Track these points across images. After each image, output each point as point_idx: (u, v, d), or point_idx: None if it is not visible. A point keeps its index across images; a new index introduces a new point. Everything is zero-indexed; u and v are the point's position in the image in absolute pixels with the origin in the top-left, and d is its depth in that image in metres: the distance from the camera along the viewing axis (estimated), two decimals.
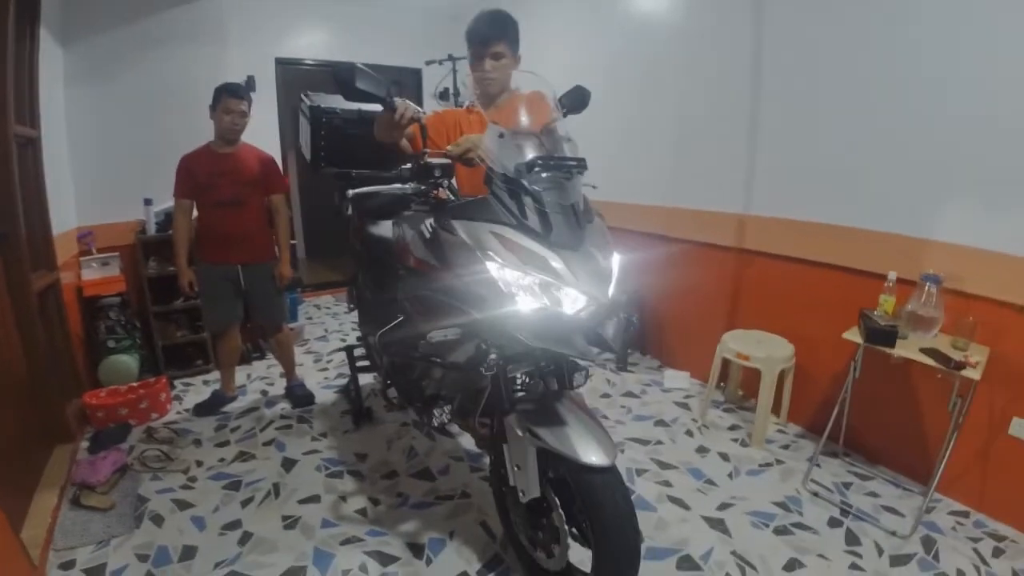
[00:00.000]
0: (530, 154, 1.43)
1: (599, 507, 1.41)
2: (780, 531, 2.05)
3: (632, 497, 2.15)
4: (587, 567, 1.54)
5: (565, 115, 1.73)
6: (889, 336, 2.03)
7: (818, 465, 2.44)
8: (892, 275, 2.16)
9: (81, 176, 3.50)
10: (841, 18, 2.39)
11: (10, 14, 2.34)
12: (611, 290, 1.43)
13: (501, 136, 1.46)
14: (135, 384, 3.09)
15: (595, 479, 1.41)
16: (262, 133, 3.98)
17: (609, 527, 1.40)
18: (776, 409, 2.79)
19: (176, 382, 3.45)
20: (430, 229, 1.58)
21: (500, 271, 1.36)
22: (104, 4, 3.47)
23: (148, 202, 3.48)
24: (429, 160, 1.69)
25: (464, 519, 2.13)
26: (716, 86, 3.00)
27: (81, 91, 3.45)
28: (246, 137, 2.93)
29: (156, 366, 3.47)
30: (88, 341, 3.31)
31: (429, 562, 1.91)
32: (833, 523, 2.09)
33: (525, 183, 1.39)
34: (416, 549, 1.97)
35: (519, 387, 1.57)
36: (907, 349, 2.02)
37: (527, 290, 1.35)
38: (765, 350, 2.60)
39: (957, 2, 2.02)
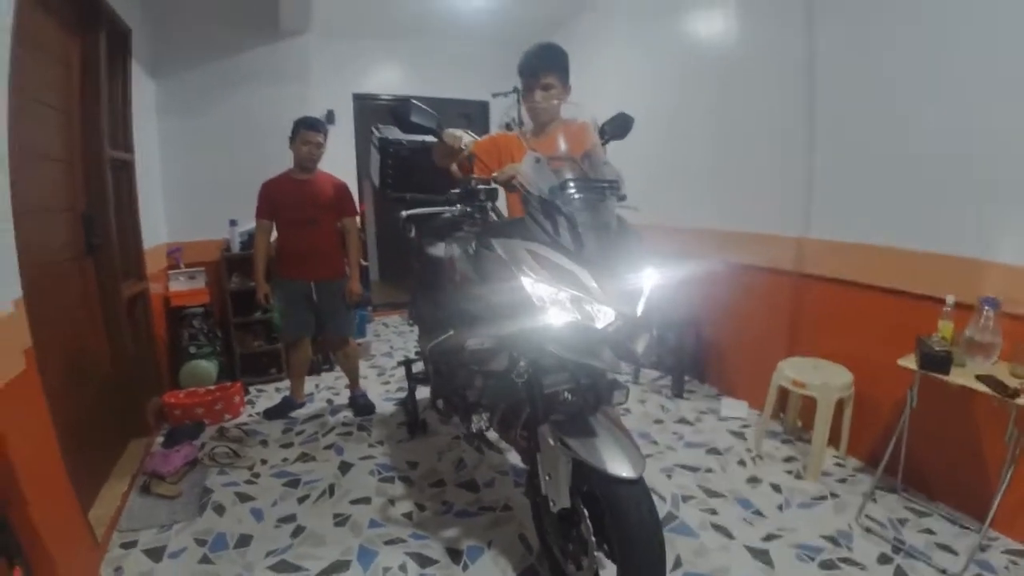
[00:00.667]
0: (564, 177, 1.52)
1: (624, 518, 1.44)
2: (826, 565, 1.97)
3: (674, 523, 2.19)
4: None
5: (606, 141, 1.82)
6: (943, 362, 1.93)
7: (874, 500, 2.33)
8: (950, 299, 2.07)
9: (172, 197, 3.90)
10: (898, 30, 2.35)
11: (102, 49, 2.68)
12: (640, 306, 1.48)
13: (538, 161, 1.56)
14: (212, 387, 3.37)
15: (621, 490, 1.45)
16: (340, 162, 4.30)
17: (633, 538, 1.43)
18: (835, 441, 2.68)
19: (250, 387, 3.74)
20: (472, 247, 1.70)
21: (534, 286, 1.45)
22: (193, 42, 3.88)
23: (233, 223, 3.83)
24: (475, 185, 1.81)
25: (503, 530, 2.19)
26: (773, 107, 2.99)
27: (173, 121, 3.86)
28: (327, 166, 3.20)
29: (233, 372, 3.78)
30: (172, 346, 3.65)
31: (466, 568, 1.98)
32: (883, 560, 1.99)
33: (559, 203, 1.48)
34: (455, 555, 2.04)
35: (559, 401, 1.63)
36: (963, 376, 1.92)
37: (559, 304, 1.43)
38: (822, 377, 2.52)
39: None
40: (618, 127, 1.88)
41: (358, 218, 3.33)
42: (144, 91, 3.50)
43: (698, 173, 3.61)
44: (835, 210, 2.73)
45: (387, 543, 2.11)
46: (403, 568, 1.97)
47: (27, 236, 1.73)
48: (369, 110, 5.12)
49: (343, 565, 1.99)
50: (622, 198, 1.62)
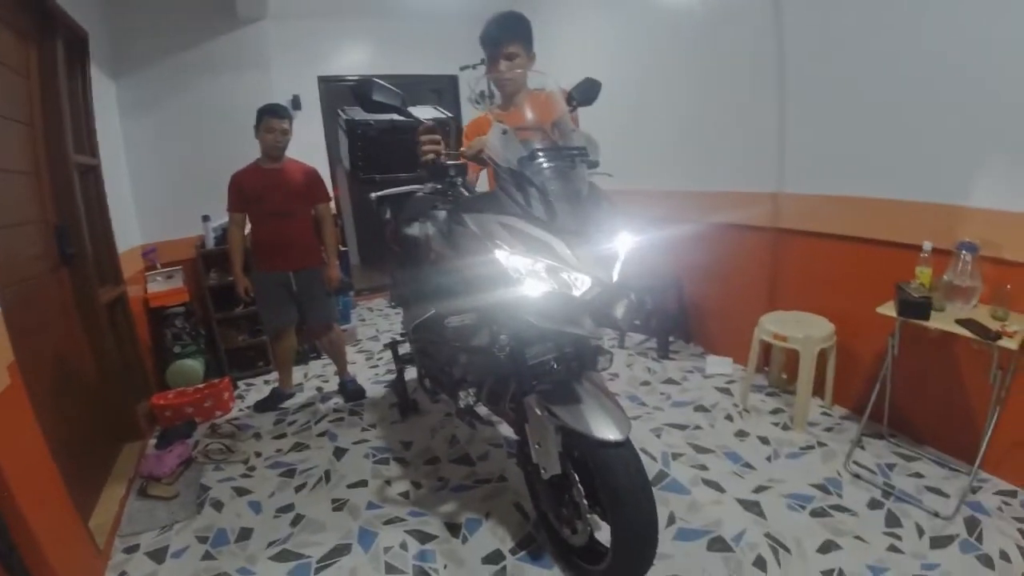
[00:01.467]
0: (532, 147, 1.51)
1: (613, 480, 1.47)
2: (817, 513, 2.02)
3: (666, 481, 2.24)
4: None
5: (575, 108, 1.80)
6: (922, 308, 1.96)
7: (862, 447, 2.39)
8: (927, 245, 2.09)
9: (142, 198, 3.81)
10: None
11: (59, 54, 2.60)
12: (616, 272, 1.48)
13: (504, 132, 1.55)
14: (200, 385, 3.35)
15: (609, 453, 1.47)
16: (311, 148, 4.24)
17: (623, 499, 1.46)
18: (820, 391, 2.74)
19: (239, 382, 3.72)
20: (446, 224, 1.69)
21: (508, 258, 1.45)
22: (151, 38, 3.76)
23: (206, 218, 3.77)
24: (443, 161, 1.79)
25: (500, 501, 2.22)
26: (742, 64, 2.98)
27: (136, 120, 3.76)
28: (296, 152, 3.14)
29: (220, 368, 3.75)
30: (156, 348, 3.61)
31: (465, 540, 2.01)
32: (873, 505, 2.04)
33: (528, 174, 1.47)
34: (453, 528, 2.08)
35: (544, 371, 1.65)
36: (943, 321, 1.95)
37: (535, 275, 1.43)
38: (803, 330, 2.56)
39: None
40: (586, 93, 1.86)
41: (333, 204, 3.28)
42: (104, 92, 3.40)
43: (670, 135, 3.60)
44: (809, 164, 2.74)
45: (386, 523, 2.14)
46: (404, 546, 2.00)
47: (1, 251, 1.69)
48: (336, 93, 5.01)
49: (344, 548, 2.02)
50: (593, 164, 1.62)
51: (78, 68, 2.95)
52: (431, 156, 1.79)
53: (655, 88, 3.62)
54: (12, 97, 2.29)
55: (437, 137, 1.82)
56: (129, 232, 3.56)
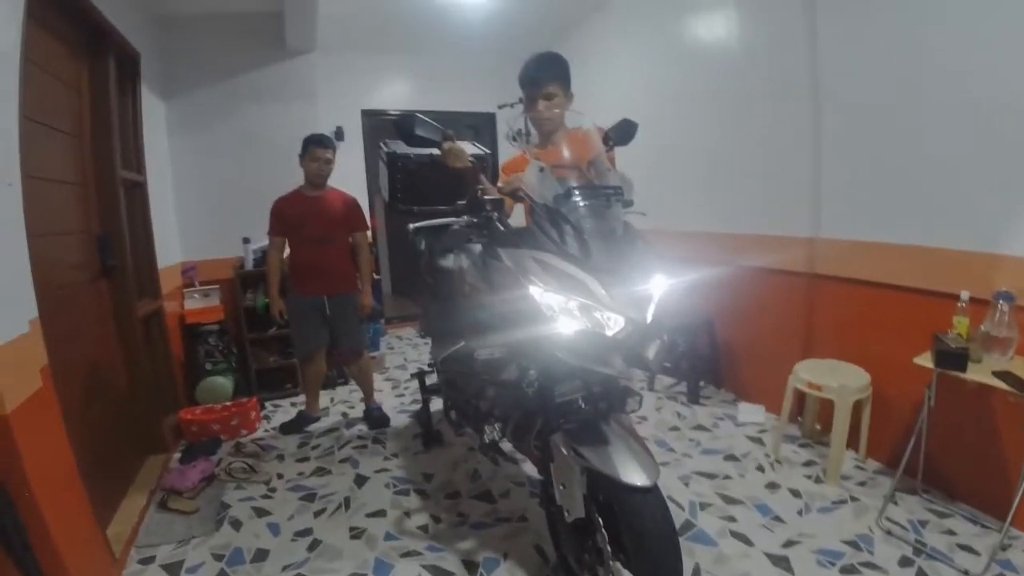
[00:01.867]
0: (568, 185, 1.52)
1: (639, 527, 1.43)
2: (847, 570, 1.94)
3: (692, 531, 2.17)
4: None
5: (611, 148, 1.82)
6: (959, 359, 1.90)
7: (895, 502, 2.29)
8: (965, 295, 2.03)
9: (185, 217, 3.95)
10: (901, 25, 2.33)
11: (111, 74, 2.74)
12: (651, 312, 1.47)
13: (541, 170, 1.57)
14: (228, 403, 3.40)
15: (636, 499, 1.43)
16: (351, 178, 4.35)
17: (649, 547, 1.42)
18: (854, 444, 2.64)
19: (266, 403, 3.77)
20: (480, 257, 1.71)
21: (542, 295, 1.45)
22: (201, 63, 3.94)
23: (247, 240, 3.88)
24: (481, 196, 1.82)
25: (519, 541, 2.18)
26: (776, 108, 2.98)
27: (183, 141, 3.92)
28: (337, 181, 3.24)
29: (249, 387, 3.81)
30: (188, 363, 3.69)
31: None
32: (904, 563, 1.96)
33: (564, 211, 1.49)
34: (471, 566, 2.04)
35: (571, 410, 1.63)
36: (980, 373, 1.89)
37: (568, 312, 1.42)
38: (838, 379, 2.49)
39: None
40: (622, 133, 1.88)
41: (369, 233, 3.36)
42: (154, 112, 3.56)
43: (702, 175, 3.60)
44: (845, 209, 2.70)
45: (403, 556, 2.11)
46: None
47: (42, 258, 1.77)
48: (378, 125, 5.17)
49: None
50: (628, 204, 1.63)
51: (129, 86, 3.10)
52: (460, 164, 1.81)
53: (687, 127, 3.63)
54: (64, 110, 2.40)
55: (457, 148, 1.84)
56: (170, 249, 3.69)
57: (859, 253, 2.62)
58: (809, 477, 2.56)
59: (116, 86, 2.83)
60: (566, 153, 1.69)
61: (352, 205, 3.23)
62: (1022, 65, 1.94)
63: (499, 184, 1.80)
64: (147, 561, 2.12)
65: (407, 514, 2.40)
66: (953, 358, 1.93)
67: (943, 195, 2.26)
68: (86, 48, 2.61)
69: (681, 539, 1.48)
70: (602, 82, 4.27)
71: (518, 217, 2.14)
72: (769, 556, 2.04)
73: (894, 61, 2.38)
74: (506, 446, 2.09)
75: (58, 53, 2.34)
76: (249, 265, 3.91)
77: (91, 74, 2.65)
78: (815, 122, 2.76)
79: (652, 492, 1.44)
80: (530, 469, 2.64)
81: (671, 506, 1.48)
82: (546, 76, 2.04)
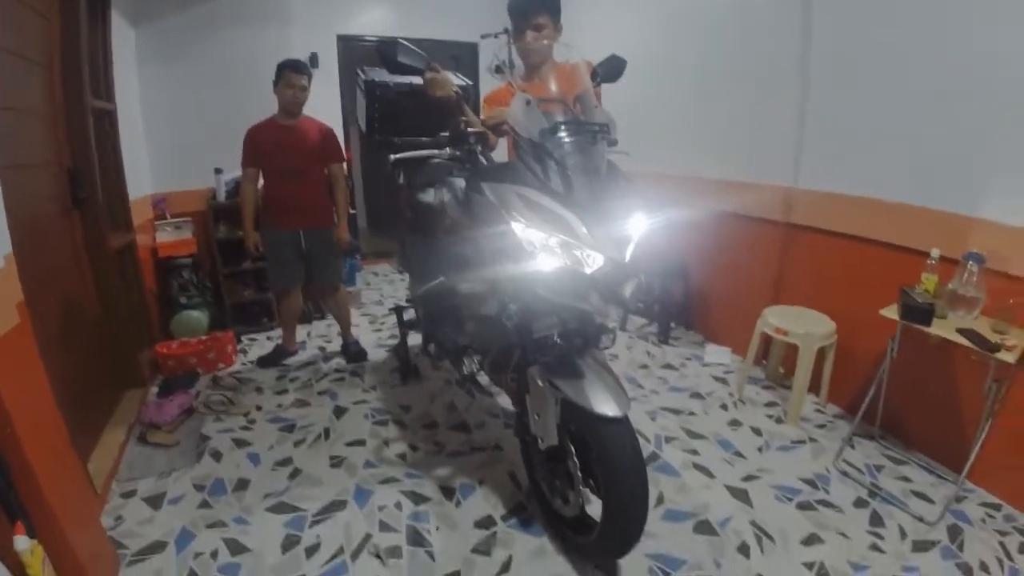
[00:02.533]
0: (555, 120, 1.51)
1: (609, 455, 1.50)
2: (803, 506, 2.06)
3: (657, 462, 2.27)
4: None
5: (599, 84, 1.79)
6: (925, 314, 1.97)
7: (852, 446, 2.42)
8: (935, 252, 2.09)
9: (156, 147, 3.80)
10: None
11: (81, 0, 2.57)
12: (630, 252, 1.49)
13: (528, 103, 1.55)
14: (204, 337, 3.39)
15: (607, 428, 1.50)
16: (325, 108, 4.19)
17: (618, 474, 1.49)
18: (816, 388, 2.76)
19: (242, 337, 3.76)
20: (462, 191, 1.69)
21: (524, 231, 1.46)
22: None
23: (219, 171, 3.75)
24: (464, 128, 1.79)
25: (494, 469, 2.27)
26: (764, 52, 2.95)
27: (153, 69, 3.74)
28: (311, 111, 3.12)
29: (224, 322, 3.78)
30: (162, 297, 3.64)
31: (459, 504, 2.06)
32: (859, 503, 2.07)
33: (548, 146, 1.47)
34: (448, 492, 2.13)
35: (548, 344, 1.67)
36: (944, 329, 1.96)
37: (549, 249, 1.44)
38: (804, 326, 2.58)
39: None
40: (611, 70, 1.85)
41: (345, 165, 3.27)
42: (124, 39, 3.37)
43: (686, 119, 3.58)
44: (825, 160, 2.72)
45: (382, 482, 2.19)
46: (398, 506, 2.05)
47: (14, 191, 1.69)
48: (355, 52, 4.95)
49: (340, 504, 2.06)
50: (613, 143, 1.62)
51: (99, 12, 2.91)
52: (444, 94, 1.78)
53: (674, 70, 3.58)
54: (34, 38, 2.28)
55: (441, 77, 1.80)
56: (141, 180, 3.56)
57: (835, 205, 2.66)
58: (771, 417, 2.69)
59: (86, 12, 2.66)
60: (553, 87, 1.66)
61: (328, 135, 3.13)
62: (1008, 33, 1.94)
63: (482, 116, 1.76)
64: (129, 495, 2.14)
65: (386, 443, 2.47)
66: (919, 312, 1.99)
67: (923, 155, 2.28)
68: None
69: (647, 469, 1.55)
70: (591, 15, 4.14)
71: (501, 152, 2.12)
72: (729, 488, 2.15)
73: (884, 18, 2.35)
74: (483, 380, 2.14)
75: None
76: (222, 197, 3.79)
77: (61, 1, 2.48)
78: (802, 72, 2.73)
79: (622, 423, 1.50)
80: (504, 401, 2.72)
81: (639, 439, 1.55)
82: (536, 6, 1.98)
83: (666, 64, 3.61)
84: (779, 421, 2.65)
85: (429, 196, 2.19)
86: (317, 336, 3.80)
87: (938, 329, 1.97)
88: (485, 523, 1.96)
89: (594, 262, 1.44)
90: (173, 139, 3.83)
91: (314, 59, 4.55)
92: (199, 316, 3.56)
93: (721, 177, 3.32)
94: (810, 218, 2.82)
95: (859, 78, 2.49)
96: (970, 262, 1.98)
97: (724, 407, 2.79)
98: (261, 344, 3.68)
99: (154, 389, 3.00)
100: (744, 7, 3.04)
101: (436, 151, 1.84)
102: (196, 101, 3.88)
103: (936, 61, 2.17)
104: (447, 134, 1.88)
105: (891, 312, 2.14)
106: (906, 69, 2.29)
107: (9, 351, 1.46)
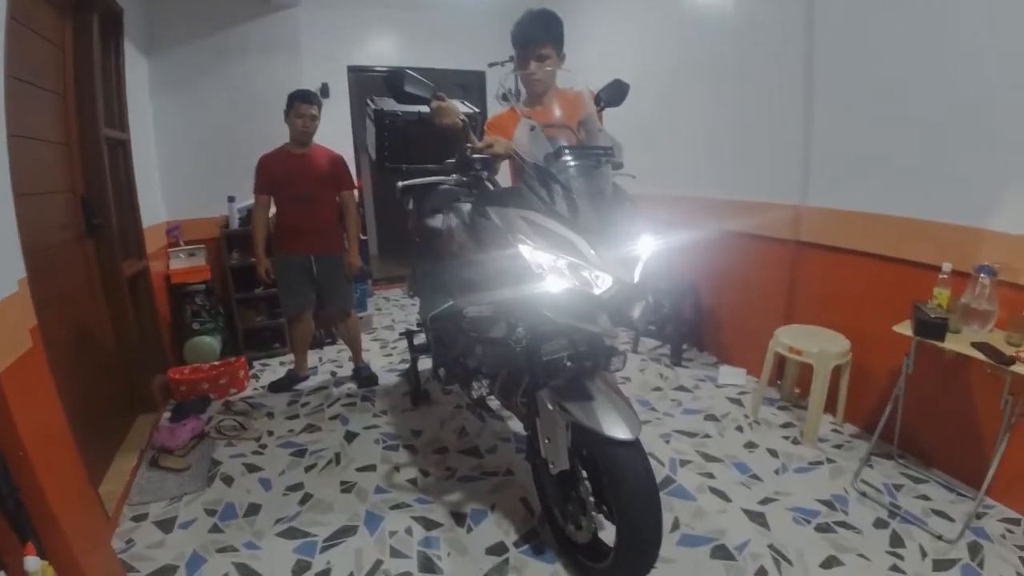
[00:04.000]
0: (559, 144, 1.52)
1: (621, 478, 1.48)
2: (822, 528, 2.01)
3: (672, 487, 2.24)
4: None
5: (602, 108, 1.81)
6: (938, 329, 1.94)
7: (870, 466, 2.37)
8: (947, 266, 2.07)
9: (169, 175, 3.88)
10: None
11: (95, 30, 2.65)
12: (638, 272, 1.49)
13: (532, 129, 1.57)
14: (217, 363, 3.42)
15: (618, 452, 1.48)
16: (337, 137, 4.28)
17: (630, 498, 1.47)
18: (832, 408, 2.72)
19: (254, 362, 3.79)
20: (469, 216, 1.71)
21: (532, 253, 1.46)
22: (184, 19, 3.81)
23: (231, 199, 3.82)
24: (470, 155, 1.81)
25: (506, 494, 2.24)
26: (769, 73, 2.97)
27: (166, 98, 3.83)
28: (323, 140, 3.18)
29: (237, 347, 3.82)
30: (175, 323, 3.69)
31: (470, 530, 2.04)
32: (879, 524, 2.03)
33: (553, 170, 1.49)
34: (459, 518, 2.10)
35: (558, 367, 1.67)
36: (958, 343, 1.93)
37: (557, 271, 1.44)
38: (818, 344, 2.54)
39: None
40: (613, 94, 1.87)
41: (356, 192, 3.33)
42: (137, 69, 3.46)
43: (692, 140, 3.59)
44: (832, 178, 2.72)
45: (393, 508, 2.17)
46: (409, 531, 2.03)
47: (28, 218, 1.73)
48: (365, 82, 5.05)
49: (350, 530, 2.05)
50: (618, 166, 1.63)
51: (112, 43, 3.00)
52: (450, 122, 1.80)
53: (680, 93, 3.62)
54: (47, 68, 2.34)
55: (447, 106, 1.82)
56: (154, 208, 3.63)
57: (843, 222, 2.65)
58: (787, 438, 2.64)
59: (100, 42, 2.74)
60: (557, 112, 1.69)
61: (339, 163, 3.19)
62: (1012, 43, 1.94)
63: (478, 144, 1.77)
64: (140, 518, 2.15)
65: (396, 468, 2.46)
66: (932, 327, 1.96)
67: (931, 169, 2.27)
68: (70, 4, 2.53)
69: (661, 494, 1.53)
70: (594, 40, 4.20)
71: (504, 176, 2.14)
72: (746, 512, 2.11)
73: (888, 35, 2.36)
74: (493, 404, 2.13)
75: (41, 10, 2.27)
76: (235, 224, 3.86)
77: (75, 31, 2.57)
78: (807, 89, 2.75)
79: (634, 446, 1.49)
80: (516, 425, 2.70)
81: (651, 462, 1.53)
82: (540, 36, 1.99)
83: (670, 86, 3.65)
84: (796, 442, 2.60)
85: (437, 221, 2.21)
86: (328, 361, 3.82)
87: (952, 344, 1.94)
88: (497, 549, 1.94)
89: (603, 283, 1.44)
90: (187, 167, 3.91)
91: (325, 89, 4.66)
92: (212, 341, 3.59)
93: (729, 197, 3.32)
94: (819, 235, 2.81)
95: (864, 92, 2.50)
96: (982, 275, 1.95)
97: (740, 429, 2.75)
98: (273, 369, 3.70)
99: (166, 414, 3.02)
100: (748, 27, 3.08)
101: (443, 177, 1.87)
102: (209, 130, 3.96)
103: (942, 72, 2.17)
104: (453, 160, 1.90)
105: (905, 328, 2.11)
106: (910, 82, 2.29)
107: (22, 375, 1.48)
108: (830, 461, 2.44)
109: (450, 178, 1.85)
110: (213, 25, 3.93)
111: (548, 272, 1.44)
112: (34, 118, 2.18)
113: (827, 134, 2.71)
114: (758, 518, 2.07)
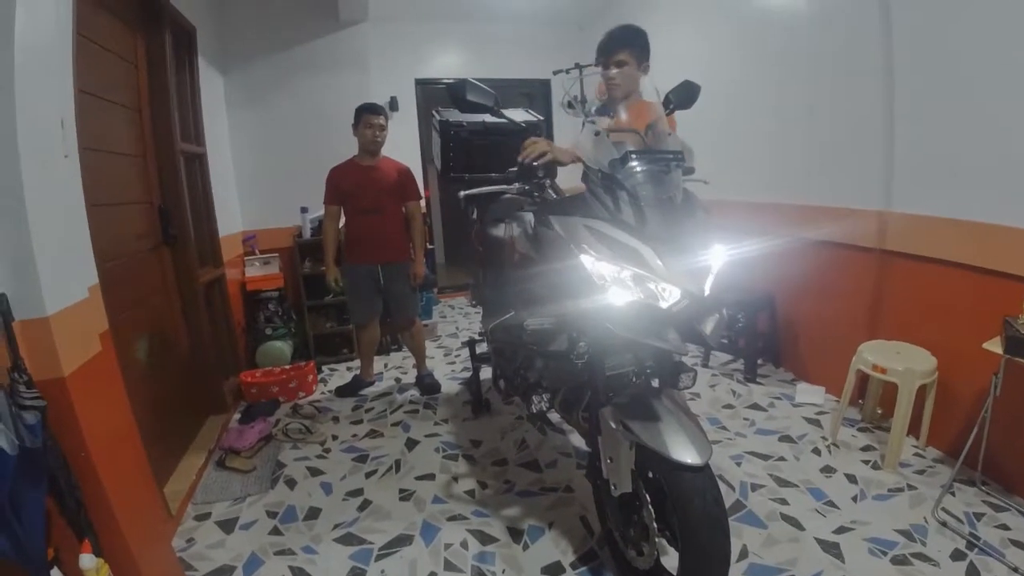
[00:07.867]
0: (625, 149, 1.47)
1: (687, 506, 1.39)
2: (898, 561, 1.86)
3: (742, 512, 2.12)
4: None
5: (672, 111, 1.75)
6: None
7: (952, 493, 2.17)
8: None
9: (245, 187, 4.08)
10: None
11: (167, 48, 2.80)
12: (709, 284, 1.42)
13: (597, 134, 1.52)
14: (287, 367, 3.54)
15: (685, 477, 1.40)
16: (406, 148, 4.38)
17: (696, 527, 1.38)
18: (915, 430, 2.51)
19: (323, 367, 3.91)
20: (531, 225, 1.68)
21: (594, 264, 1.41)
22: (256, 37, 4.01)
23: (304, 210, 3.98)
24: (528, 162, 1.78)
25: (565, 511, 2.19)
26: (847, 73, 2.79)
27: (242, 114, 4.03)
28: (391, 152, 3.26)
29: (307, 352, 3.95)
30: (249, 328, 3.86)
31: (526, 547, 1.99)
32: (957, 556, 1.86)
33: (619, 177, 1.43)
34: (515, 533, 2.06)
35: (622, 383, 1.60)
36: None
37: (620, 283, 1.38)
38: (904, 362, 2.35)
39: None
40: (683, 95, 1.80)
41: (423, 202, 3.38)
42: (213, 85, 3.66)
43: (765, 144, 3.43)
44: (919, 181, 2.51)
45: (449, 519, 2.16)
46: (464, 544, 2.01)
47: (103, 227, 1.82)
48: (432, 95, 5.15)
49: (406, 539, 2.05)
50: (689, 171, 1.56)
51: (185, 60, 3.17)
52: (540, 156, 1.76)
53: (751, 94, 3.46)
54: (121, 84, 2.47)
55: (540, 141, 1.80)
56: (232, 218, 3.83)
57: (932, 229, 2.44)
58: (867, 463, 2.46)
59: (173, 60, 2.89)
60: (624, 116, 1.63)
61: (406, 174, 3.25)
62: None
63: (527, 151, 1.71)
64: (203, 517, 2.23)
65: (455, 479, 2.45)
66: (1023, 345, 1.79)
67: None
68: (141, 23, 2.68)
69: (730, 520, 1.43)
70: (662, 44, 4.09)
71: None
72: (820, 542, 1.97)
73: (974, 27, 2.17)
74: (554, 416, 2.09)
75: (113, 28, 2.40)
76: (307, 234, 4.01)
77: (147, 49, 2.71)
78: (887, 89, 2.56)
79: (703, 471, 1.40)
80: (577, 440, 2.64)
81: (721, 486, 1.45)
82: (618, 44, 2.06)
83: (741, 88, 3.50)
84: (876, 467, 2.41)
85: (499, 231, 2.19)
86: (394, 367, 3.89)
87: None
88: (553, 569, 1.88)
89: (670, 296, 1.37)
90: (262, 180, 4.10)
91: (394, 102, 4.77)
92: (283, 346, 3.73)
93: (806, 203, 3.14)
94: (906, 244, 2.60)
95: (953, 88, 2.29)
96: None
97: (817, 452, 2.57)
98: (341, 374, 3.81)
99: (236, 416, 3.14)
100: (823, 24, 2.90)
101: (506, 186, 1.85)
102: (283, 144, 4.14)
103: None
104: (516, 169, 1.88)
105: (994, 345, 1.93)
106: (1007, 76, 2.08)
107: (91, 377, 1.53)
108: (911, 488, 2.25)
109: (512, 187, 1.83)
110: (284, 42, 4.11)
111: (611, 284, 1.39)
112: (109, 132, 2.29)
113: (912, 132, 2.51)
114: (832, 549, 1.93)
